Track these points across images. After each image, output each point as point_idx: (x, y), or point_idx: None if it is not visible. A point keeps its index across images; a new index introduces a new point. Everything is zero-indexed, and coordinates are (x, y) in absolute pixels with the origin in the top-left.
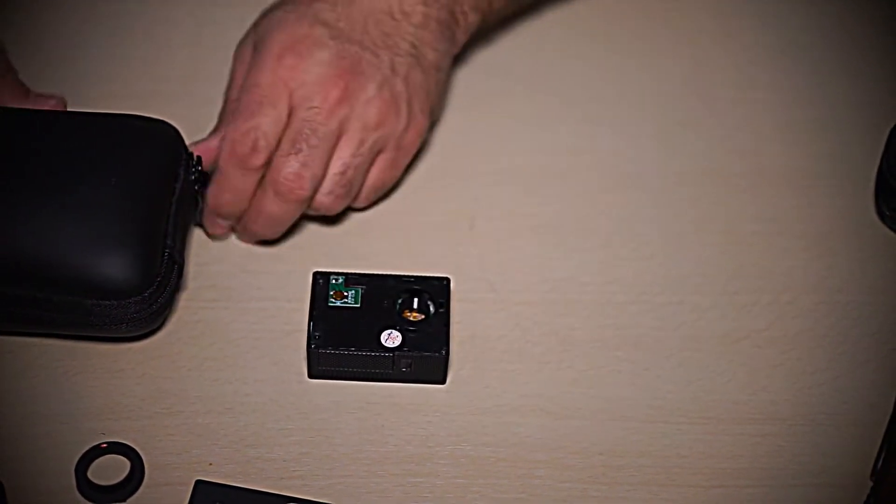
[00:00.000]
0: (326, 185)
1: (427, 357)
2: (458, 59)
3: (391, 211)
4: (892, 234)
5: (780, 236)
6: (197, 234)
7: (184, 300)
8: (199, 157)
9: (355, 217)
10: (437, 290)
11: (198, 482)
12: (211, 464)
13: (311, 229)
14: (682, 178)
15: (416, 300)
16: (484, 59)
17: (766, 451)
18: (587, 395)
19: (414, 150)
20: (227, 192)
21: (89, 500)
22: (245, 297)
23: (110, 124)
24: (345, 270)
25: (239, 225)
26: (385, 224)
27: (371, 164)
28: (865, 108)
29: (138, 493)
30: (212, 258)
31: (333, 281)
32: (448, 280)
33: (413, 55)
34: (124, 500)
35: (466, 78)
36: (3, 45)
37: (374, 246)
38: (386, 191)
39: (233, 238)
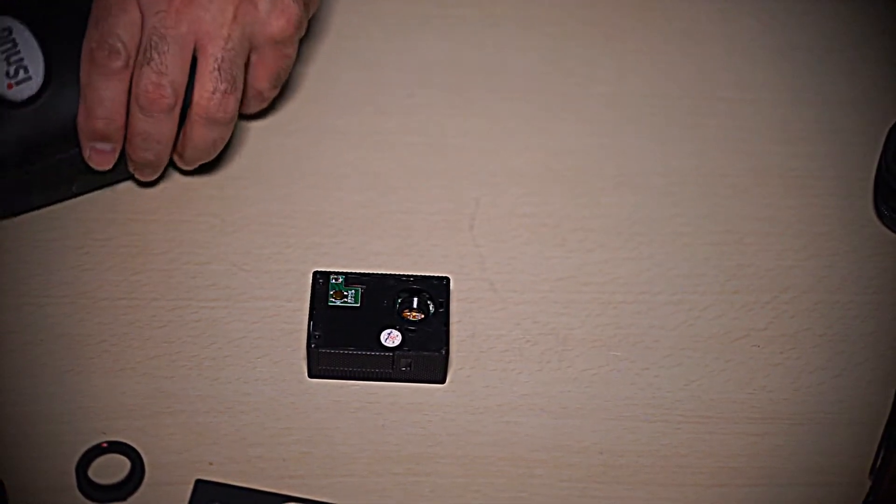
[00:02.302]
0: (206, 84)
1: (427, 356)
2: (457, 61)
3: (391, 211)
4: (890, 233)
5: (780, 236)
6: (196, 236)
7: (184, 300)
8: None
9: (355, 217)
10: (436, 290)
11: (198, 481)
12: (211, 463)
13: (311, 229)
14: (682, 178)
15: (415, 300)
16: (483, 60)
17: (765, 449)
18: (587, 394)
19: (290, 38)
20: (96, 105)
21: (90, 499)
22: (245, 296)
23: None
24: (345, 270)
25: (127, 153)
26: (385, 224)
27: (248, 60)
28: (864, 107)
29: (138, 493)
30: (212, 258)
31: (333, 280)
32: (448, 280)
33: None
34: (124, 500)
35: (466, 78)
36: None
37: (373, 246)
38: (282, 81)
39: (232, 238)
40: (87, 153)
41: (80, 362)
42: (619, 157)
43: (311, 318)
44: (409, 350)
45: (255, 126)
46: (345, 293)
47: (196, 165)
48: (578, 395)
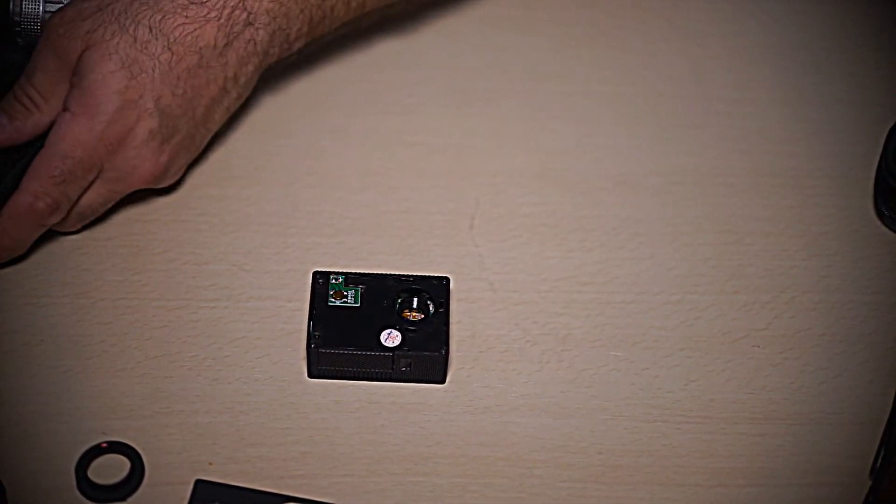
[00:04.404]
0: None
1: (426, 356)
2: (457, 61)
3: (391, 211)
4: (890, 233)
5: (780, 236)
6: (196, 236)
7: (184, 300)
8: None
9: (355, 217)
10: (436, 290)
11: (198, 481)
12: (211, 463)
13: (311, 229)
14: (682, 178)
15: (415, 300)
16: (483, 60)
17: (765, 449)
18: (586, 394)
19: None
20: (5, 236)
21: (89, 499)
22: (245, 297)
23: None
24: (345, 270)
25: None
26: (385, 224)
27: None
28: (864, 108)
29: (138, 493)
30: (212, 258)
31: (333, 280)
32: (448, 280)
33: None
34: (124, 500)
35: (466, 78)
36: None
37: (373, 246)
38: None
39: (232, 238)
40: None
41: (80, 362)
42: (618, 157)
43: (310, 318)
44: (408, 350)
45: (256, 126)
46: (345, 293)
47: None
48: (578, 395)
